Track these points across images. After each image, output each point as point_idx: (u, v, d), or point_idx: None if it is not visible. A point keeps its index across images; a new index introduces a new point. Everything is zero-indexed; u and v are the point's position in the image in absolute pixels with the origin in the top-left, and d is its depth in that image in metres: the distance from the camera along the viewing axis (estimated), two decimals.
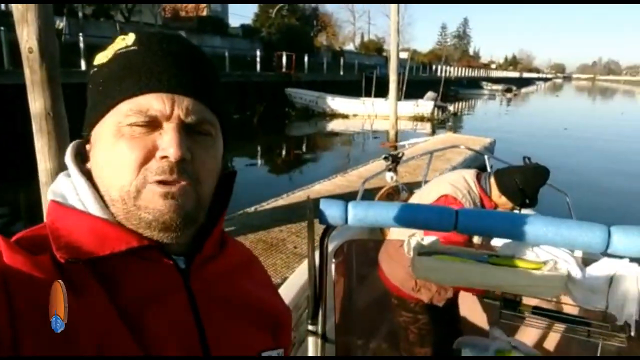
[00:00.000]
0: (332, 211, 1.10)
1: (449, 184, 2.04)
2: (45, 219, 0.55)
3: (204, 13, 33.54)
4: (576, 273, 1.49)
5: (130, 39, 0.57)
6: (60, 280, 0.46)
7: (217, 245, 0.64)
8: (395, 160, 3.08)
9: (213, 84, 0.60)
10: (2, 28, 11.31)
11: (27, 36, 2.80)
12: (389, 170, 3.09)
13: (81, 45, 13.87)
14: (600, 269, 1.47)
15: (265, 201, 5.89)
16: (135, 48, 0.56)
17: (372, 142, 15.69)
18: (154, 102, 0.54)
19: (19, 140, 3.14)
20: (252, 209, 5.64)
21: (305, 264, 1.39)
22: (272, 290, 0.75)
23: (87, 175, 0.58)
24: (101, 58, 0.58)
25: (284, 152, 14.30)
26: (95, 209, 0.55)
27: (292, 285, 1.95)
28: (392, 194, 2.97)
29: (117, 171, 0.54)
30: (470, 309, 2.06)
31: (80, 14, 19.02)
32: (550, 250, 1.52)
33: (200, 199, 0.56)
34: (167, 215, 0.53)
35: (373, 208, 1.11)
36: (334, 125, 19.44)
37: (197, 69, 0.58)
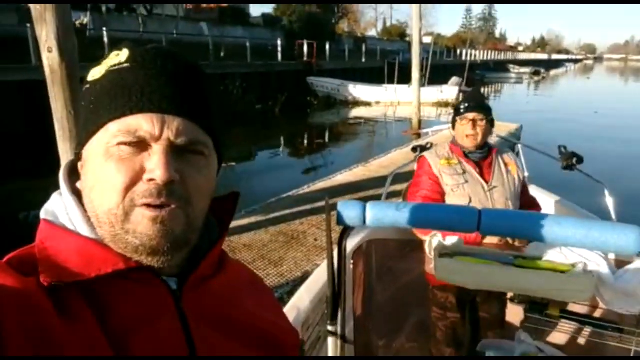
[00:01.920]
0: (349, 212, 1.07)
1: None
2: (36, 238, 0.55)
3: (225, 4, 33.59)
4: (608, 276, 1.42)
5: (124, 55, 0.56)
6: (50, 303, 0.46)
7: (213, 266, 0.63)
8: (423, 151, 3.00)
9: (207, 103, 0.58)
10: (27, 25, 11.55)
11: (46, 36, 2.84)
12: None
13: (105, 40, 14.08)
14: (634, 271, 1.40)
15: (286, 193, 5.88)
16: (128, 65, 0.55)
17: (395, 129, 15.52)
18: (144, 123, 0.52)
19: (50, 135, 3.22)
20: (274, 199, 5.64)
21: (325, 264, 1.37)
22: (277, 310, 0.73)
23: (79, 193, 0.57)
24: (94, 74, 0.57)
25: (306, 142, 14.26)
26: (84, 229, 0.54)
27: (313, 285, 1.93)
28: None
29: (104, 193, 0.53)
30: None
31: (103, 8, 19.28)
32: (580, 252, 1.45)
33: (190, 221, 0.55)
34: (155, 240, 0.52)
35: (392, 209, 1.08)
36: (356, 113, 19.28)
37: (191, 88, 0.56)
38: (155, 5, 23.92)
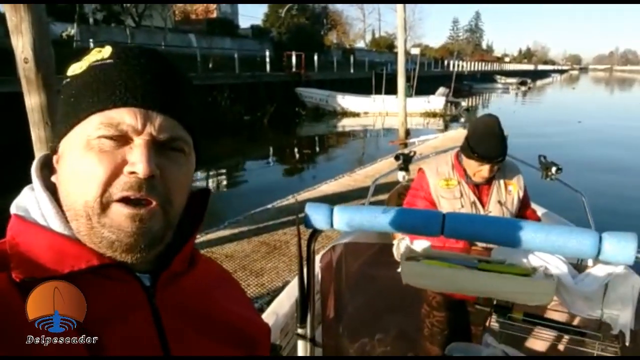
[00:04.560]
0: (317, 215, 1.09)
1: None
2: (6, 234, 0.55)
3: (214, 15, 33.75)
4: (568, 279, 1.43)
5: (106, 51, 0.56)
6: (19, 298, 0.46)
7: (185, 262, 0.63)
8: (406, 160, 3.03)
9: (188, 102, 0.59)
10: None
11: (22, 47, 2.83)
12: (401, 169, 3.04)
13: None
14: (594, 275, 1.42)
15: (271, 203, 5.88)
16: (112, 61, 0.55)
17: (383, 140, 15.60)
18: (126, 117, 0.52)
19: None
20: (258, 209, 5.63)
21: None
22: (248, 306, 0.73)
23: (52, 188, 0.56)
24: (75, 69, 0.57)
25: (294, 153, 14.27)
26: (56, 225, 0.54)
27: (292, 291, 1.93)
28: (404, 193, 2.92)
29: (82, 185, 0.52)
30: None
31: (91, 20, 19.26)
32: (542, 256, 1.47)
33: (168, 219, 0.55)
34: (133, 237, 0.52)
35: (359, 212, 1.10)
36: (344, 124, 19.37)
37: (173, 86, 0.57)
38: (143, 17, 23.93)
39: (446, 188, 1.96)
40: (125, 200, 0.52)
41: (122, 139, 0.53)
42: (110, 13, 21.54)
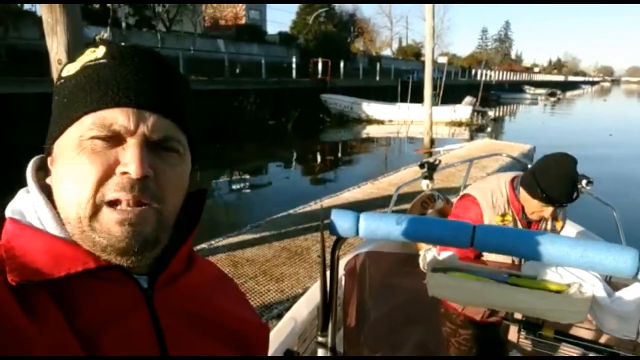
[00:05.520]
0: (342, 222, 1.07)
1: (475, 186, 1.96)
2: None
3: (243, 21, 34.23)
4: (603, 298, 1.37)
5: (100, 51, 0.56)
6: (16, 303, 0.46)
7: (183, 264, 0.62)
8: (431, 168, 2.98)
9: (184, 102, 0.58)
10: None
11: (57, 48, 2.90)
12: (425, 177, 3.00)
13: None
14: (632, 294, 1.35)
15: (293, 208, 5.88)
16: (105, 61, 0.54)
17: (407, 148, 15.50)
18: (119, 117, 0.52)
19: None
20: (279, 215, 5.63)
21: None
22: (246, 306, 0.72)
23: (48, 191, 0.56)
24: (69, 70, 0.56)
25: (317, 159, 14.30)
26: (52, 228, 0.53)
27: (312, 297, 1.91)
28: (427, 202, 2.88)
29: (75, 187, 0.51)
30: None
31: (123, 24, 19.76)
32: (577, 272, 1.41)
33: (162, 220, 0.54)
34: (124, 242, 0.51)
35: (385, 220, 1.07)
36: (368, 131, 19.33)
37: (168, 86, 0.56)
38: (174, 22, 24.44)
39: (501, 225, 1.81)
40: (114, 204, 0.51)
41: (115, 140, 0.52)
42: (142, 18, 22.07)
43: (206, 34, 27.19)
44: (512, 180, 1.90)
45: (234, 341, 0.63)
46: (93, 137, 0.51)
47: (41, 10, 2.95)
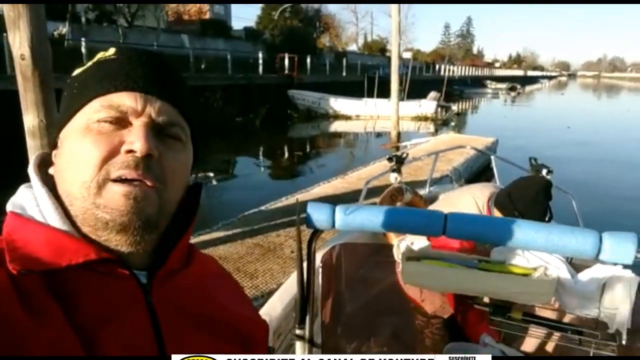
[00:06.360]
0: (319, 215, 1.08)
1: (452, 203, 2.07)
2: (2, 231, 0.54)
3: (207, 16, 33.66)
4: (567, 279, 1.45)
5: (111, 51, 0.59)
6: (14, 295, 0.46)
7: (182, 259, 0.63)
8: (399, 161, 3.05)
9: (186, 97, 0.61)
10: (4, 34, 11.38)
11: (19, 43, 2.80)
12: (393, 171, 3.06)
13: (83, 50, 13.93)
14: (593, 275, 1.44)
15: (264, 205, 5.87)
16: (115, 57, 0.58)
17: (375, 143, 15.64)
18: (126, 99, 0.54)
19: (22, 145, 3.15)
20: (251, 211, 5.61)
21: None
22: (245, 303, 0.73)
23: (50, 184, 0.57)
24: (80, 68, 0.60)
25: (286, 154, 14.26)
26: (54, 220, 0.54)
27: (285, 292, 1.93)
28: (396, 195, 2.94)
29: (79, 166, 0.53)
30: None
31: (83, 19, 19.12)
32: (542, 256, 1.48)
33: (163, 204, 0.55)
34: (127, 216, 0.52)
35: (361, 212, 1.09)
36: (336, 127, 19.40)
37: (172, 79, 0.60)
38: (135, 17, 23.79)
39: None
40: (120, 180, 0.52)
41: (122, 123, 0.54)
42: (102, 13, 21.38)
43: (170, 29, 26.60)
44: (488, 201, 1.99)
45: (233, 338, 0.63)
46: (100, 120, 0.53)
47: (2, 5, 2.85)
